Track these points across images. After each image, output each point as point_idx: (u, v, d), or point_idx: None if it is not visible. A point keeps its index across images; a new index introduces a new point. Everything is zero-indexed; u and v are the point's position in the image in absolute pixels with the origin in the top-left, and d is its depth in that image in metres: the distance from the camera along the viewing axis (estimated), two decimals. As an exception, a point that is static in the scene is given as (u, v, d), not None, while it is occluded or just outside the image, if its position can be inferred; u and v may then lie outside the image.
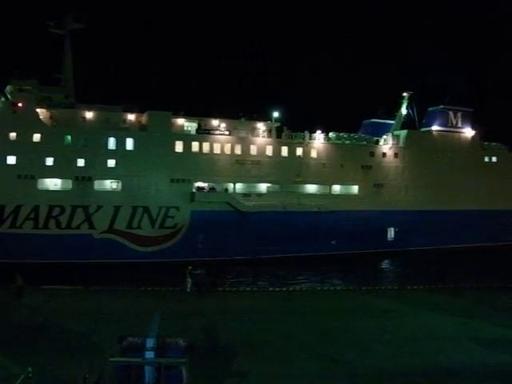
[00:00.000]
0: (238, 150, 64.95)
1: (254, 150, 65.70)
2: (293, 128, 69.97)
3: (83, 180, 57.83)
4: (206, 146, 63.54)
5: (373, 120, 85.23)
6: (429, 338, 27.16)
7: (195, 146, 63.10)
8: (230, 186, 64.51)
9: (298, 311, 32.44)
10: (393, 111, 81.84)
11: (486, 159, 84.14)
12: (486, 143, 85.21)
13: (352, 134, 74.16)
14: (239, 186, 65.24)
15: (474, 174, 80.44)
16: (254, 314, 31.35)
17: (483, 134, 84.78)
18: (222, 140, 64.16)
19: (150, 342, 15.30)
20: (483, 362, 23.57)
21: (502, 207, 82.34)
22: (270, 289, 42.93)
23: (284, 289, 42.05)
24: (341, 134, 72.92)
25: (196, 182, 63.03)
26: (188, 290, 37.06)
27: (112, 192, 59.78)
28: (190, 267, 38.19)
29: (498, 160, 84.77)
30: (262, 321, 29.62)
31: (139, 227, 60.02)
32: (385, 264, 68.17)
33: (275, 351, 24.10)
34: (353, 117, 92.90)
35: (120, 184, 59.88)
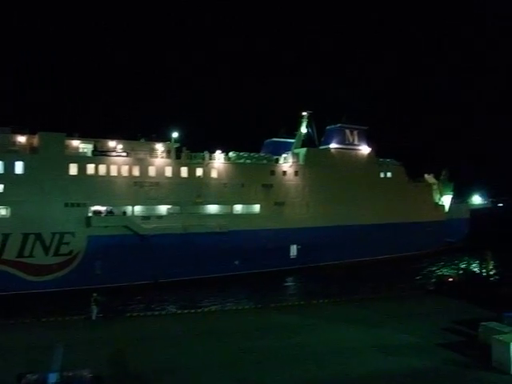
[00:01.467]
0: (136, 172, 63.33)
1: (152, 171, 64.32)
2: (193, 148, 69.38)
3: (-33, 207, 54.03)
4: (102, 169, 61.37)
5: (274, 139, 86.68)
6: (335, 350, 27.90)
7: (91, 168, 60.72)
8: (129, 208, 62.67)
9: (207, 332, 32.31)
10: (293, 131, 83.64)
11: (382, 175, 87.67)
12: (381, 159, 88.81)
13: (252, 154, 74.55)
14: (138, 209, 63.51)
15: (371, 189, 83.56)
16: (164, 338, 30.96)
17: (378, 151, 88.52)
18: (119, 162, 62.27)
19: (52, 378, 14.43)
20: (388, 369, 24.91)
21: (399, 220, 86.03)
22: (179, 311, 41.99)
23: (192, 311, 41.42)
24: (241, 153, 73.12)
25: (92, 205, 60.62)
26: (93, 318, 35.74)
27: (0, 219, 56.22)
28: (95, 294, 36.77)
29: (392, 175, 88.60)
30: (171, 345, 29.27)
31: (31, 255, 56.66)
32: (289, 281, 68.62)
33: (186, 375, 24.09)
34: (256, 137, 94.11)
35: (9, 210, 56.34)
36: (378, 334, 31.33)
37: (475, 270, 49.42)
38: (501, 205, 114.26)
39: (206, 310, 43.24)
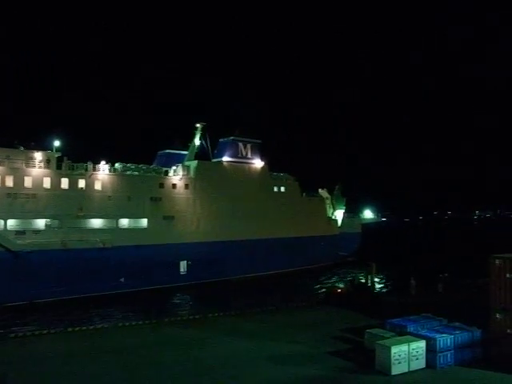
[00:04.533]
0: (9, 182, 58.29)
1: (29, 181, 59.49)
2: (77, 159, 65.27)
3: None
4: (-32, 178, 56.02)
5: (167, 151, 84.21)
6: (229, 363, 28.31)
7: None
8: (1, 222, 57.42)
9: (98, 349, 31.42)
10: (189, 142, 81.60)
11: (276, 189, 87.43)
12: (274, 173, 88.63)
13: (140, 165, 71.27)
14: (12, 223, 58.34)
15: (265, 204, 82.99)
16: (53, 357, 29.54)
17: (272, 165, 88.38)
18: (-12, 171, 57.07)
19: None
20: (280, 378, 25.81)
21: (293, 235, 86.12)
22: (70, 329, 38.79)
23: (84, 328, 39.11)
24: (128, 164, 69.68)
25: (-42, 219, 55.12)
26: None
27: None
28: None
29: (286, 190, 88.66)
30: (61, 365, 28.04)
31: None
32: (179, 297, 65.89)
33: None
34: (149, 148, 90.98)
35: None
36: (271, 344, 32.11)
37: (361, 280, 50.67)
38: (384, 219, 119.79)
39: (95, 327, 40.48)
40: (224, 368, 27.42)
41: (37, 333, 37.49)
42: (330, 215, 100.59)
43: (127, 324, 40.69)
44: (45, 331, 38.11)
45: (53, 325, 45.34)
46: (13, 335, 36.71)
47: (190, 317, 43.68)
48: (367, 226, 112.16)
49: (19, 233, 58.20)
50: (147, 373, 26.78)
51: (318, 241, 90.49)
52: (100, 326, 41.93)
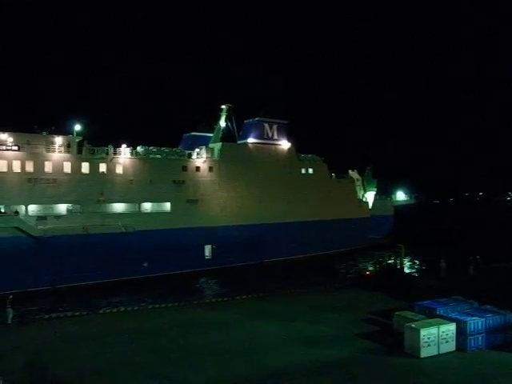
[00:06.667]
0: (30, 168, 57.64)
1: (49, 166, 58.73)
2: (99, 143, 64.19)
3: None
4: (-12, 164, 55.54)
5: (193, 133, 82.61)
6: (258, 344, 28.41)
7: (-26, 164, 54.85)
8: (22, 208, 56.93)
9: (128, 331, 31.73)
10: (214, 125, 79.96)
11: (303, 171, 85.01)
12: (302, 155, 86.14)
13: (163, 148, 69.81)
14: (33, 208, 57.82)
15: (292, 186, 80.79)
16: (85, 339, 30.07)
17: (299, 146, 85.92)
18: (9, 156, 56.45)
19: None
20: (309, 360, 25.84)
21: (321, 217, 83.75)
22: (101, 311, 40.02)
23: (115, 310, 40.06)
24: (150, 147, 68.32)
25: (-21, 205, 54.79)
26: (9, 322, 33.98)
27: None
28: (11, 296, 35.22)
29: (313, 171, 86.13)
30: (93, 346, 28.56)
31: None
32: (205, 281, 64.65)
33: (107, 378, 23.61)
34: (175, 131, 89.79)
35: None
36: (299, 326, 32.23)
37: (390, 263, 49.21)
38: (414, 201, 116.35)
39: (124, 309, 40.60)
40: (253, 349, 27.68)
41: (69, 315, 38.11)
42: (361, 197, 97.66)
43: (157, 306, 40.81)
44: (77, 313, 38.58)
45: (79, 308, 44.87)
46: (47, 316, 37.01)
47: (219, 299, 44.05)
48: (400, 208, 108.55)
49: (40, 218, 57.61)
50: (176, 355, 26.95)
51: (347, 224, 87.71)
52: (125, 308, 41.63)
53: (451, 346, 26.65)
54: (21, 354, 27.08)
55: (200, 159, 71.62)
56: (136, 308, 41.47)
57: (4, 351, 27.54)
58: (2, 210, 55.88)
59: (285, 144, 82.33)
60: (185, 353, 27.25)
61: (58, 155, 59.66)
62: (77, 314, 38.67)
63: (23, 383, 21.82)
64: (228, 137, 79.89)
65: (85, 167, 61.27)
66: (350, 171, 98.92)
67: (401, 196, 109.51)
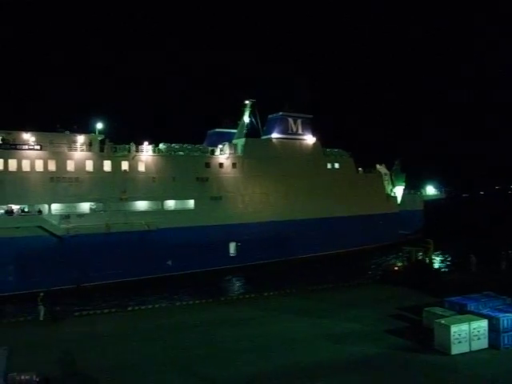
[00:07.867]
0: (52, 167, 57.57)
1: (71, 165, 58.60)
2: (121, 141, 63.80)
3: None
4: (12, 164, 55.53)
5: (217, 130, 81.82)
6: (285, 341, 28.34)
7: (-3, 163, 54.87)
8: (45, 207, 56.90)
9: (156, 329, 32.02)
10: (238, 120, 78.98)
11: (329, 166, 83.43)
12: (328, 150, 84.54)
13: (185, 145, 69.07)
14: (56, 207, 57.75)
15: (318, 182, 79.29)
16: (114, 336, 30.62)
17: (325, 141, 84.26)
18: (31, 156, 56.42)
19: None
20: (337, 356, 25.62)
21: (349, 213, 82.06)
22: (129, 308, 40.33)
23: (143, 307, 40.77)
24: (172, 144, 67.66)
25: (2, 204, 54.83)
26: (41, 319, 34.88)
27: None
28: (42, 294, 36.14)
29: (340, 166, 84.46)
30: (122, 343, 29.01)
31: None
32: (231, 278, 63.98)
33: (136, 374, 23.82)
34: (200, 128, 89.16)
35: None
36: (327, 323, 32.07)
37: (419, 258, 47.68)
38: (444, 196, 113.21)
39: (153, 306, 41.44)
40: (280, 345, 27.54)
41: (99, 312, 38.72)
42: (389, 192, 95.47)
43: (184, 303, 40.91)
44: (105, 310, 39.11)
45: (106, 306, 44.91)
46: (77, 314, 37.71)
47: (246, 296, 43.99)
48: (430, 202, 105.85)
49: (64, 217, 57.53)
50: (203, 351, 27.09)
51: (375, 219, 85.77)
52: (153, 305, 41.96)
53: (483, 343, 26.00)
54: (52, 349, 27.49)
55: (223, 155, 70.75)
56: (164, 305, 42.08)
57: (37, 346, 28.08)
58: (26, 210, 56.00)
59: (310, 139, 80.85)
60: (214, 349, 27.35)
61: (80, 154, 59.50)
62: (106, 311, 39.04)
63: (55, 377, 22.09)
64: (252, 132, 78.85)
65: (107, 165, 61.02)
66: (377, 166, 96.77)
67: (431, 190, 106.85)
